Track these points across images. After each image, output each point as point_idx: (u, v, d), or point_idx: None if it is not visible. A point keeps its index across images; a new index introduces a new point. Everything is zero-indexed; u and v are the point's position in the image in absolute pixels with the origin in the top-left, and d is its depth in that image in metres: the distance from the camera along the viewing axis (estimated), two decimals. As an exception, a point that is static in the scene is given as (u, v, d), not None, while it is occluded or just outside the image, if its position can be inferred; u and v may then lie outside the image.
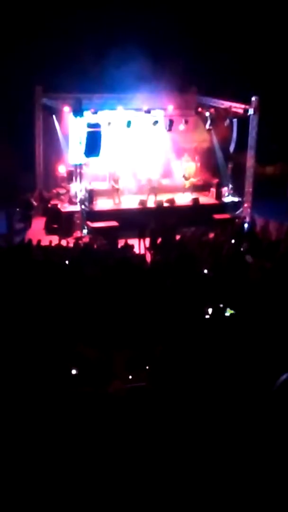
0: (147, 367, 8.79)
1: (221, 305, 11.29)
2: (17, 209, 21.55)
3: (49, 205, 22.40)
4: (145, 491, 4.49)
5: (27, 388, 7.10)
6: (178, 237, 19.36)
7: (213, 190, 24.18)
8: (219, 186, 24.08)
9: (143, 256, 17.76)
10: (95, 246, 18.66)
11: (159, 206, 22.47)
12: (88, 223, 21.16)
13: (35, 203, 22.51)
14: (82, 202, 21.92)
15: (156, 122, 22.49)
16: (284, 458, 4.16)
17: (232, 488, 4.26)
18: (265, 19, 25.08)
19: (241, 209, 23.48)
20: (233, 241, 18.59)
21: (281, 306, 10.79)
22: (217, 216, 22.49)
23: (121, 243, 18.53)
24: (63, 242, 18.76)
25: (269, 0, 25.32)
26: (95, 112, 21.17)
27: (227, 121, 23.05)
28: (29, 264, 14.76)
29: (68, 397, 7.02)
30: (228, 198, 24.13)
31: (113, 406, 6.46)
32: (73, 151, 22.09)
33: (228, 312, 11.10)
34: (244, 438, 4.71)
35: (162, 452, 4.97)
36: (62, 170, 23.37)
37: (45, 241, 17.94)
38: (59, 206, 22.19)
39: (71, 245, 18.65)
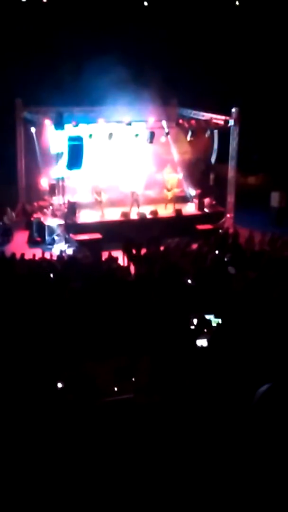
0: (133, 379, 8.76)
1: (207, 316, 11.30)
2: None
3: (32, 218, 22.34)
4: (136, 499, 4.48)
5: (14, 403, 7.05)
6: (161, 248, 19.36)
7: (195, 201, 24.28)
8: (201, 197, 24.17)
9: (127, 268, 17.74)
10: (79, 259, 18.60)
11: (142, 218, 22.50)
12: (72, 235, 21.12)
13: (16, 217, 22.48)
14: (65, 215, 21.88)
15: (137, 135, 22.56)
16: (268, 467, 4.15)
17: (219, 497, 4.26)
18: (244, 31, 25.35)
19: (223, 220, 23.59)
20: (216, 251, 18.63)
21: (265, 316, 10.83)
22: (200, 227, 22.55)
23: (105, 255, 18.50)
24: (47, 255, 18.68)
25: (248, 12, 25.63)
26: (76, 125, 21.18)
27: (208, 132, 23.23)
28: (12, 278, 14.70)
29: (54, 410, 6.97)
30: (210, 209, 24.23)
31: (100, 418, 6.43)
32: (54, 164, 22.08)
33: (214, 323, 11.11)
34: (228, 448, 4.72)
35: (150, 462, 4.96)
36: (44, 183, 23.33)
37: (28, 254, 17.86)
38: (42, 219, 22.14)
39: (55, 258, 18.59)
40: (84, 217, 22.28)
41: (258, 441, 4.32)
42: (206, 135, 23.32)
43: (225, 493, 4.38)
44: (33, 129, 22.85)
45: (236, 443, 4.79)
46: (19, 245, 20.74)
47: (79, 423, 6.37)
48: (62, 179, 22.09)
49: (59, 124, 20.71)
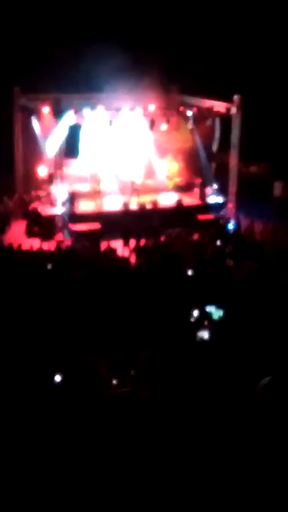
0: (132, 372, 8.59)
1: (207, 308, 11.09)
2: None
3: (30, 208, 22.08)
4: (137, 497, 4.39)
5: (12, 396, 6.94)
6: (162, 238, 19.16)
7: (196, 190, 23.99)
8: (202, 186, 23.90)
9: (127, 258, 17.50)
10: (77, 249, 18.36)
11: (142, 208, 22.23)
12: (70, 225, 20.87)
13: (13, 207, 22.21)
14: (63, 204, 21.61)
15: (137, 122, 22.30)
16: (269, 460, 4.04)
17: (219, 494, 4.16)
18: (246, 18, 25.05)
19: (225, 209, 23.33)
20: (217, 242, 18.41)
21: (266, 307, 10.65)
22: (201, 217, 22.33)
23: (104, 245, 18.28)
24: (45, 246, 18.43)
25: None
26: (75, 112, 20.90)
27: (210, 120, 22.94)
28: (10, 268, 14.47)
29: (53, 404, 6.89)
30: (212, 199, 23.96)
31: (100, 412, 6.36)
32: (53, 152, 21.81)
33: (215, 314, 10.88)
34: (230, 441, 4.65)
35: (150, 455, 4.86)
36: (42, 172, 23.04)
37: (26, 245, 17.61)
38: (39, 209, 21.87)
39: (53, 248, 18.33)
40: (83, 206, 21.98)
41: (259, 432, 4.25)
42: (208, 123, 23.03)
43: (227, 486, 4.26)
44: (31, 117, 22.54)
45: (237, 435, 4.70)
46: (17, 235, 20.49)
47: (78, 416, 6.23)
48: (60, 167, 21.81)
49: (57, 112, 20.46)
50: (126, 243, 18.79)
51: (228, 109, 22.36)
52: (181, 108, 23.15)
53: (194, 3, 25.06)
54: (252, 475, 4.14)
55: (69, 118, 20.81)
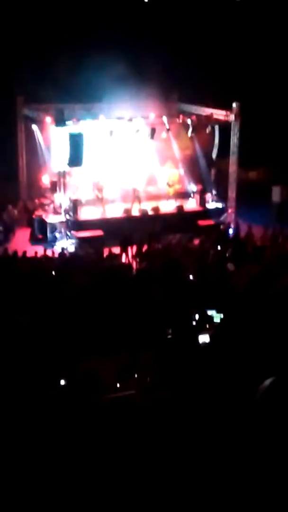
0: (136, 375, 8.78)
1: (209, 312, 11.32)
2: (1, 221, 21.51)
3: (34, 216, 22.36)
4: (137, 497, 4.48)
5: (16, 401, 7.06)
6: (163, 244, 19.38)
7: (197, 196, 24.26)
8: (203, 193, 24.16)
9: (129, 264, 17.77)
10: (81, 256, 18.63)
11: (144, 214, 22.50)
12: (73, 232, 21.13)
13: (16, 214, 22.51)
14: (66, 212, 21.89)
15: (138, 131, 22.58)
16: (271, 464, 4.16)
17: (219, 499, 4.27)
18: (245, 26, 25.27)
19: (225, 215, 23.57)
20: (218, 247, 18.64)
21: (267, 311, 10.83)
22: (201, 223, 22.57)
23: (106, 251, 18.54)
24: (49, 253, 18.71)
25: (248, 6, 25.55)
26: (77, 122, 21.19)
27: (209, 128, 23.21)
28: (15, 276, 14.72)
29: (58, 408, 6.99)
30: (212, 204, 24.23)
31: (103, 416, 6.44)
32: (56, 161, 22.08)
33: (216, 318, 11.12)
34: (231, 443, 4.73)
35: (152, 458, 4.97)
36: (45, 180, 23.34)
37: (30, 252, 17.88)
38: (43, 216, 22.15)
39: (57, 255, 18.61)
40: (86, 214, 22.28)
41: (261, 436, 4.32)
42: (207, 131, 23.31)
43: (228, 489, 4.37)
44: (34, 126, 22.86)
45: (239, 438, 4.78)
46: (21, 242, 20.76)
47: (81, 419, 6.37)
48: (64, 175, 22.08)
49: (60, 121, 20.72)
50: (124, 251, 18.97)
51: (227, 117, 22.62)
52: (181, 116, 23.42)
53: (193, 12, 25.28)
54: (253, 478, 4.23)
55: (71, 127, 21.09)
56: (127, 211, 22.42)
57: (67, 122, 20.91)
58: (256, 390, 4.63)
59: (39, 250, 18.70)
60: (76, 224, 21.51)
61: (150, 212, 22.67)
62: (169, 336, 9.92)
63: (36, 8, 23.93)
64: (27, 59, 22.47)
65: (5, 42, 22.70)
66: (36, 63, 22.52)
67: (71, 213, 21.78)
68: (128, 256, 18.89)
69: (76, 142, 20.73)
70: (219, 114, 22.77)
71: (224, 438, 4.96)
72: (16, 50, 22.59)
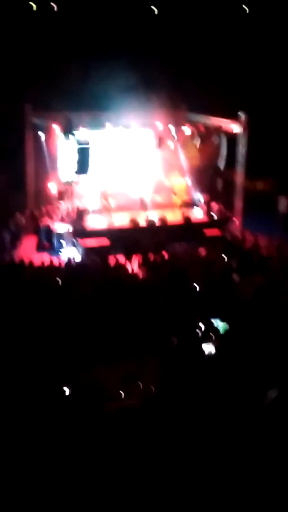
0: (140, 384, 8.78)
1: (214, 322, 11.32)
2: (8, 229, 21.56)
3: (40, 224, 22.41)
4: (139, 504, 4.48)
5: (20, 410, 7.07)
6: (170, 253, 19.39)
7: (203, 206, 24.28)
8: (209, 203, 24.17)
9: (135, 273, 17.77)
10: (87, 264, 18.65)
11: (150, 224, 22.52)
12: (80, 241, 21.17)
13: (24, 222, 22.57)
14: (73, 220, 21.93)
15: (145, 140, 22.70)
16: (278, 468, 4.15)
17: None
18: (253, 37, 25.37)
19: (231, 225, 23.57)
20: (224, 257, 18.63)
21: (273, 321, 10.82)
22: (208, 232, 22.56)
23: (112, 260, 18.55)
24: (55, 261, 18.74)
25: (257, 17, 25.66)
26: (85, 130, 21.27)
27: (216, 138, 23.25)
28: (21, 284, 14.75)
29: (62, 417, 6.98)
30: (218, 214, 24.22)
31: (106, 425, 6.43)
32: (63, 169, 22.15)
33: (222, 328, 11.12)
34: (237, 451, 4.70)
35: (156, 470, 4.95)
36: (53, 188, 23.41)
37: (36, 260, 17.91)
38: (50, 224, 22.20)
39: (63, 263, 18.64)
40: (92, 222, 22.33)
41: (266, 445, 4.31)
42: (214, 141, 23.36)
43: (235, 499, 4.36)
44: (41, 134, 22.96)
45: (244, 447, 4.77)
46: (28, 250, 20.81)
47: (84, 428, 6.36)
48: (71, 184, 22.14)
49: (67, 130, 20.80)
50: (129, 259, 18.99)
51: (234, 127, 22.67)
52: (188, 126, 23.48)
53: (202, 22, 25.40)
54: (260, 486, 4.21)
55: (78, 135, 21.16)
56: (134, 220, 22.45)
57: (74, 131, 20.98)
58: (260, 400, 4.60)
59: (45, 258, 18.72)
60: (82, 233, 21.54)
61: (157, 222, 22.70)
62: (174, 345, 9.91)
63: (44, 17, 24.10)
64: (36, 67, 22.60)
65: (13, 50, 22.84)
66: (44, 72, 22.65)
67: (77, 222, 21.83)
68: (134, 265, 18.90)
69: (83, 150, 20.81)
70: (226, 124, 22.82)
71: (228, 447, 4.94)
72: (25, 58, 22.72)
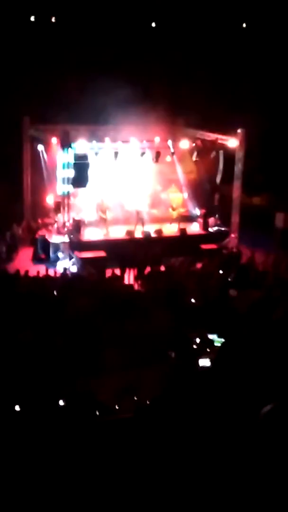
0: (135, 397, 8.75)
1: (210, 336, 11.31)
2: (4, 240, 21.56)
3: (37, 236, 22.41)
4: None
5: (16, 421, 7.04)
6: (165, 267, 19.40)
7: (200, 220, 24.34)
8: (206, 217, 24.23)
9: (131, 286, 17.77)
10: (83, 276, 18.64)
11: (147, 237, 22.55)
12: (76, 253, 21.17)
13: (20, 234, 22.57)
14: (70, 232, 21.94)
15: (143, 154, 22.78)
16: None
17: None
18: (251, 52, 25.58)
19: (228, 239, 23.63)
20: (220, 271, 18.66)
21: (268, 336, 10.81)
22: (204, 246, 22.59)
23: (108, 272, 18.56)
24: (51, 272, 18.72)
25: (254, 34, 25.88)
26: (83, 144, 21.36)
27: (214, 152, 23.36)
28: (15, 295, 14.72)
29: (57, 427, 6.96)
30: (215, 229, 24.29)
31: (101, 438, 6.39)
32: (60, 182, 22.20)
33: (217, 342, 11.11)
34: (232, 467, 4.68)
35: (151, 481, 4.93)
36: (50, 200, 23.43)
37: (32, 271, 17.89)
38: (46, 236, 22.20)
39: (59, 275, 18.62)
40: (89, 234, 22.35)
41: (263, 461, 4.29)
42: (212, 156, 23.47)
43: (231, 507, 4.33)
44: (39, 147, 23.02)
45: (240, 462, 4.75)
46: (24, 261, 20.79)
47: (79, 441, 6.32)
48: (68, 196, 22.16)
49: (65, 143, 20.87)
50: (124, 272, 18.99)
51: (232, 142, 22.79)
52: (186, 140, 23.58)
53: (200, 37, 25.60)
54: (256, 496, 4.18)
55: (77, 149, 21.23)
56: (130, 233, 22.48)
57: (72, 144, 21.06)
58: (256, 415, 4.59)
59: (41, 269, 18.70)
60: (79, 245, 21.54)
61: (153, 235, 22.73)
62: (170, 359, 9.89)
63: (43, 29, 24.27)
64: (34, 80, 22.70)
65: (12, 62, 22.96)
66: (43, 84, 22.76)
67: (74, 234, 21.83)
68: (130, 277, 18.90)
69: (81, 164, 20.88)
70: (224, 139, 22.94)
71: (226, 458, 4.91)
72: (23, 70, 22.84)
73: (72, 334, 11.18)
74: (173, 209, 24.21)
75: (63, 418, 7.81)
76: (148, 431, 6.51)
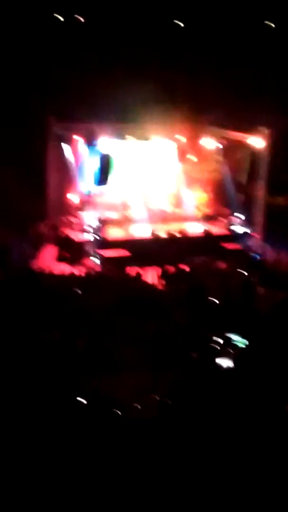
0: (157, 398, 8.72)
1: (232, 336, 11.25)
2: (28, 238, 21.66)
3: (61, 234, 22.49)
4: None
5: (35, 422, 7.05)
6: (188, 267, 19.35)
7: (224, 220, 24.22)
8: (230, 217, 24.12)
9: (154, 285, 17.74)
10: (106, 275, 18.66)
11: (171, 236, 22.51)
12: (100, 252, 21.21)
13: (45, 232, 22.65)
14: (93, 231, 21.99)
15: (167, 152, 22.78)
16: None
17: None
18: (279, 51, 25.36)
19: (252, 240, 23.48)
20: (244, 271, 18.55)
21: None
22: (228, 246, 22.49)
23: (131, 272, 18.55)
24: (75, 271, 18.77)
25: (281, 30, 25.65)
26: (107, 142, 21.39)
27: (239, 152, 23.24)
28: (39, 293, 14.78)
29: (75, 426, 6.94)
30: (239, 229, 24.15)
31: (121, 437, 6.37)
32: (85, 180, 22.27)
33: (240, 343, 11.04)
34: (254, 467, 4.64)
35: (169, 481, 4.91)
36: (74, 199, 23.51)
37: (56, 270, 17.96)
38: (70, 235, 22.27)
39: (83, 274, 18.67)
40: (113, 233, 22.37)
41: (282, 458, 4.27)
42: (236, 155, 23.35)
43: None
44: (64, 145, 23.09)
45: (262, 462, 4.72)
46: (47, 260, 20.86)
47: (99, 440, 6.32)
48: (92, 194, 22.22)
49: (90, 141, 20.92)
50: (147, 271, 18.96)
51: (257, 142, 22.63)
52: (211, 140, 23.49)
53: (227, 37, 25.45)
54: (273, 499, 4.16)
55: (101, 147, 21.27)
56: (154, 232, 22.46)
57: (97, 142, 21.10)
58: (278, 416, 4.54)
59: (65, 268, 18.75)
60: (102, 243, 21.58)
61: (177, 234, 22.68)
62: (191, 359, 9.85)
63: (68, 28, 24.32)
64: (59, 78, 22.76)
65: (37, 60, 23.04)
66: (67, 82, 22.80)
67: (97, 232, 21.88)
68: (153, 277, 18.88)
69: (105, 162, 20.91)
70: (249, 139, 22.79)
71: (247, 460, 4.87)
72: (48, 68, 22.91)
73: (93, 333, 11.20)
74: (197, 208, 24.14)
75: (84, 417, 7.82)
76: (172, 430, 6.49)
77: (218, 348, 10.85)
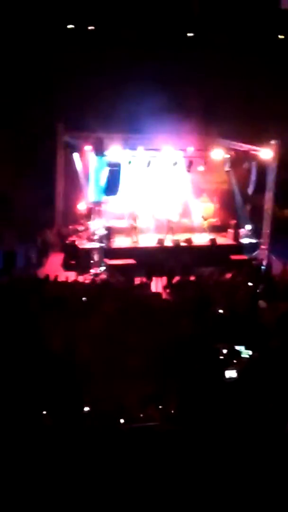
0: (160, 406, 8.72)
1: (237, 347, 11.25)
2: (35, 245, 21.73)
3: (68, 242, 22.55)
4: None
5: (40, 427, 7.06)
6: (194, 277, 19.35)
7: (231, 231, 24.23)
8: (237, 227, 24.13)
9: (159, 294, 17.75)
10: (112, 283, 18.68)
11: (177, 246, 22.54)
12: (106, 260, 21.24)
13: (52, 240, 22.73)
14: (100, 239, 22.04)
15: (175, 163, 22.82)
16: None
17: None
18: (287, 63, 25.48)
19: (258, 251, 23.47)
20: (249, 283, 18.53)
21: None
22: (234, 257, 22.49)
23: (137, 281, 18.57)
24: (80, 278, 18.80)
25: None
26: (116, 152, 21.47)
27: (246, 163, 23.27)
28: (44, 300, 14.81)
29: (80, 434, 6.95)
30: (245, 240, 24.15)
31: (125, 444, 6.37)
32: (92, 189, 22.33)
33: (245, 354, 11.04)
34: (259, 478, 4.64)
35: (174, 491, 4.92)
36: (81, 207, 23.59)
37: (62, 277, 18.00)
38: (77, 242, 22.32)
39: (88, 281, 18.70)
40: (119, 242, 22.42)
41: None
42: (244, 166, 23.38)
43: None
44: (73, 154, 23.18)
45: (267, 473, 4.72)
46: (54, 267, 20.91)
47: (103, 447, 6.33)
48: (99, 203, 22.30)
49: (99, 151, 21.01)
50: (153, 280, 18.98)
51: (265, 154, 22.67)
52: (219, 151, 23.54)
53: (236, 48, 25.59)
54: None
55: (110, 157, 21.36)
56: (160, 241, 22.49)
57: (106, 152, 21.19)
58: (282, 428, 4.55)
59: (71, 275, 18.78)
60: (108, 252, 21.63)
61: (183, 244, 22.71)
62: (196, 368, 9.85)
63: (80, 38, 24.50)
64: (69, 87, 22.92)
65: (47, 69, 23.21)
66: (78, 91, 22.96)
67: (104, 241, 21.93)
68: (159, 286, 18.89)
69: (113, 171, 20.99)
70: (257, 150, 22.84)
71: (252, 470, 4.87)
72: (58, 77, 23.08)
73: (97, 341, 11.21)
74: (204, 219, 24.17)
75: (88, 425, 7.83)
76: (175, 439, 6.51)
77: (224, 358, 10.85)
